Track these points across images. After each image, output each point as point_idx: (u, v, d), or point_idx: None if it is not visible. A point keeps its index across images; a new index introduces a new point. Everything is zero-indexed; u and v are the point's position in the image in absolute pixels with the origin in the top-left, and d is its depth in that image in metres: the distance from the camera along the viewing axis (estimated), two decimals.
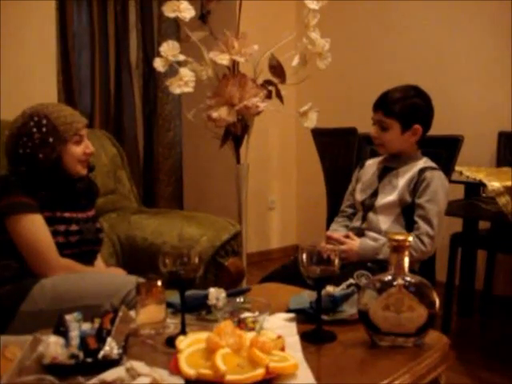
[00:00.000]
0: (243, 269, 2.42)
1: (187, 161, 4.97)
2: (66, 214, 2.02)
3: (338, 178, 3.52)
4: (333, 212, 2.91)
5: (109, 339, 1.30)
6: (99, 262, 2.21)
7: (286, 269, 2.26)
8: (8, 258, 1.93)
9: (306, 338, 1.42)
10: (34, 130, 1.95)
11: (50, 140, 1.95)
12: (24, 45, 2.92)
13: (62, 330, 1.35)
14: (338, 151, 3.60)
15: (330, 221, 2.69)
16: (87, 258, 2.09)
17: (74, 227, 2.02)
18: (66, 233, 1.99)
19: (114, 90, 4.57)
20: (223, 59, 2.57)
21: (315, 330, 1.45)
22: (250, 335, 1.30)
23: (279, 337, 1.32)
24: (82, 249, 2.04)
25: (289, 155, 4.93)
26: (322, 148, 3.72)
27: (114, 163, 2.72)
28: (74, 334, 1.33)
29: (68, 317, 1.42)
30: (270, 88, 2.70)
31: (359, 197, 2.38)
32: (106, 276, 2.01)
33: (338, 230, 2.38)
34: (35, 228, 1.92)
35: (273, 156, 4.84)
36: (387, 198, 2.26)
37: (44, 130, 1.95)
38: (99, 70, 4.44)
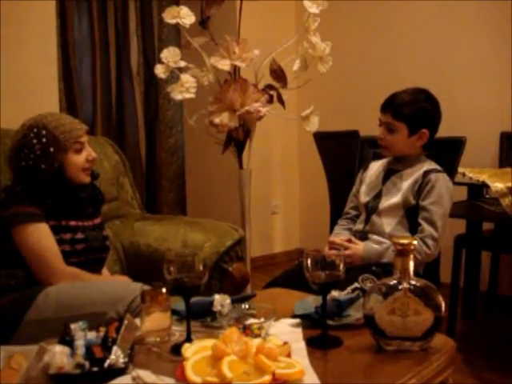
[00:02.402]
0: (247, 274, 2.42)
1: (190, 166, 4.96)
2: (72, 223, 2.03)
3: (340, 181, 3.50)
4: (336, 215, 2.90)
5: (114, 348, 1.30)
6: (104, 269, 2.21)
7: (290, 274, 2.26)
8: (14, 267, 1.94)
9: (312, 344, 1.42)
10: (35, 141, 1.95)
11: (51, 150, 1.95)
12: (24, 53, 2.91)
13: (67, 340, 1.35)
14: (341, 154, 3.58)
15: (333, 224, 2.69)
16: (94, 266, 2.09)
17: (79, 235, 2.02)
18: (72, 241, 2.00)
19: (116, 96, 4.56)
20: (224, 65, 2.57)
21: (321, 335, 1.45)
22: (255, 342, 1.29)
23: (285, 343, 1.32)
24: (88, 257, 2.05)
25: (291, 159, 4.93)
26: (324, 151, 3.71)
27: (116, 170, 2.71)
28: (80, 343, 1.32)
29: (73, 326, 1.41)
30: (272, 92, 2.69)
31: (363, 199, 2.38)
32: (111, 283, 2.01)
33: (341, 234, 2.38)
34: (40, 237, 1.93)
35: (275, 160, 4.83)
36: (391, 200, 2.26)
37: (44, 140, 1.96)
38: (100, 76, 4.43)
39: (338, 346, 1.42)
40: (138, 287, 1.79)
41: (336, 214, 3.13)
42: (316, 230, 4.54)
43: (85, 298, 1.82)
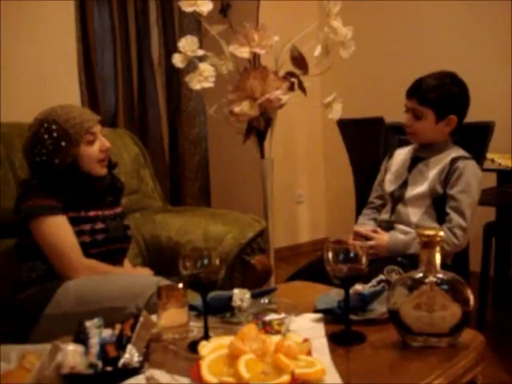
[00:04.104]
0: (270, 266, 2.37)
1: (213, 156, 4.93)
2: (91, 213, 2.01)
3: (365, 168, 3.44)
4: (361, 203, 2.84)
5: (129, 346, 1.26)
6: (126, 262, 2.20)
7: (313, 265, 2.20)
8: (35, 260, 1.93)
9: (334, 340, 1.37)
10: (46, 136, 1.94)
11: (63, 144, 1.93)
12: (44, 46, 2.90)
13: (81, 338, 1.31)
14: (365, 142, 3.51)
15: (358, 213, 2.63)
16: (116, 257, 2.08)
17: (99, 225, 2.01)
18: (92, 232, 1.98)
19: (137, 88, 4.53)
20: (243, 52, 2.51)
21: (344, 331, 1.39)
22: (274, 339, 1.24)
23: (306, 340, 1.26)
24: (109, 247, 2.03)
25: (315, 147, 4.86)
26: (348, 139, 3.64)
27: (136, 162, 2.68)
28: (94, 342, 1.29)
29: (88, 323, 1.38)
30: (293, 80, 2.62)
31: (388, 188, 2.31)
32: (131, 277, 1.98)
33: (365, 224, 2.31)
34: (58, 229, 1.92)
35: (299, 149, 4.77)
36: (417, 189, 2.18)
37: (55, 134, 1.93)
38: (122, 68, 4.40)
39: (362, 343, 1.36)
40: (159, 281, 1.77)
41: (361, 202, 3.07)
42: (342, 219, 4.48)
43: (104, 292, 1.80)
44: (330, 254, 1.36)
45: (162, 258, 2.43)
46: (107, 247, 2.02)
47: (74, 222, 1.95)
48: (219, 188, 4.95)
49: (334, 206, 4.84)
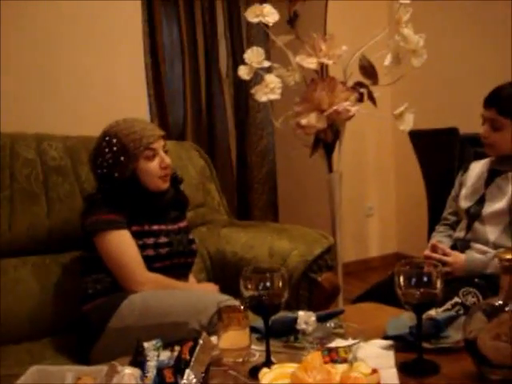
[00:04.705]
0: (338, 284, 2.28)
1: (281, 169, 4.88)
2: (155, 227, 2.00)
3: (438, 181, 3.33)
4: (434, 219, 2.72)
5: (187, 371, 1.20)
6: (191, 276, 2.17)
7: (383, 286, 2.08)
8: (99, 273, 1.94)
9: (405, 370, 1.27)
10: (106, 150, 1.95)
11: (122, 159, 1.94)
12: (112, 60, 2.93)
13: (139, 360, 1.27)
14: (439, 154, 3.40)
15: (431, 228, 2.52)
16: (180, 271, 2.06)
17: (163, 239, 1.99)
18: (156, 245, 1.97)
19: (205, 100, 4.53)
20: (310, 63, 2.47)
21: (415, 360, 1.29)
22: (340, 369, 1.16)
23: (374, 371, 1.17)
24: (173, 261, 2.01)
25: (386, 159, 4.73)
26: (420, 151, 3.52)
27: (202, 175, 2.65)
28: (151, 365, 1.25)
29: (147, 344, 1.34)
30: (362, 90, 2.56)
31: (463, 204, 2.18)
32: (196, 293, 1.95)
33: (441, 242, 2.18)
34: (122, 244, 1.92)
35: (369, 161, 4.66)
36: (495, 205, 2.05)
37: (115, 149, 1.95)
38: (190, 80, 4.41)
39: (435, 374, 1.26)
40: (224, 298, 1.74)
41: (434, 217, 2.95)
42: (413, 233, 4.36)
43: (168, 306, 1.78)
44: (402, 278, 1.26)
45: (227, 273, 2.38)
46: (171, 261, 2.01)
47: (137, 235, 1.95)
48: (287, 200, 4.89)
49: (405, 220, 4.69)
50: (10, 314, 2.02)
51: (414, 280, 1.25)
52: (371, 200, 4.71)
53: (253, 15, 2.42)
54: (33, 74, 2.65)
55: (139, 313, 1.79)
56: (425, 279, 1.25)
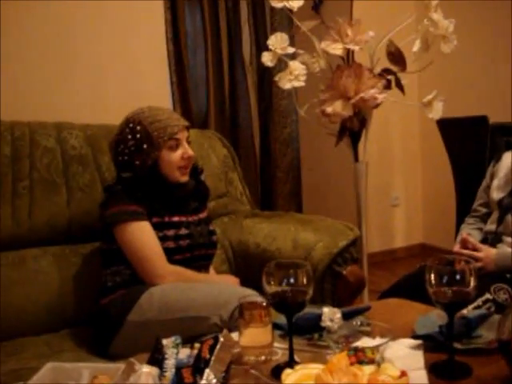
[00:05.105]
0: (363, 278, 2.21)
1: (305, 157, 4.82)
2: (175, 219, 1.96)
3: (467, 171, 3.26)
4: (462, 209, 2.65)
5: (207, 371, 1.16)
6: (210, 268, 2.13)
7: (411, 280, 2.02)
8: (119, 265, 1.91)
9: (435, 372, 1.20)
10: (129, 136, 1.92)
11: (144, 147, 1.91)
12: (135, 47, 2.90)
13: (157, 358, 1.23)
14: (468, 143, 3.32)
15: (459, 219, 2.45)
16: (200, 263, 2.02)
17: (183, 231, 1.96)
18: (176, 237, 1.94)
19: (229, 87, 4.48)
20: (336, 49, 2.41)
21: (446, 362, 1.22)
22: (367, 370, 1.10)
23: (403, 373, 1.11)
24: (194, 253, 1.98)
25: (412, 148, 4.65)
26: (449, 140, 3.44)
27: (224, 165, 2.59)
28: (170, 363, 1.20)
29: (165, 341, 1.29)
30: (389, 77, 2.49)
31: (495, 195, 2.10)
32: (217, 286, 1.89)
33: (471, 235, 2.11)
34: (142, 235, 1.88)
35: (395, 150, 4.58)
36: None
37: (138, 136, 1.91)
38: (213, 68, 4.37)
39: (467, 377, 1.19)
40: (246, 292, 1.68)
41: (463, 208, 2.88)
42: (440, 223, 4.31)
43: (188, 300, 1.75)
44: (433, 275, 1.19)
45: (249, 265, 2.33)
46: (191, 253, 1.97)
47: (157, 227, 1.92)
48: (311, 190, 4.84)
49: (432, 210, 4.61)
50: (28, 305, 2.00)
51: (445, 278, 1.18)
52: (397, 189, 4.63)
53: (277, 0, 2.36)
54: (52, 61, 2.63)
55: (158, 306, 1.75)
56: (457, 277, 1.18)
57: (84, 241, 2.19)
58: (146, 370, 1.16)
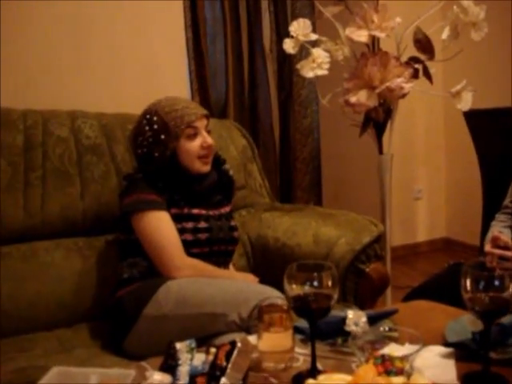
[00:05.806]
0: (387, 276, 2.12)
1: (325, 148, 4.74)
2: (195, 211, 1.91)
3: (495, 164, 3.16)
4: (490, 205, 2.55)
5: (223, 380, 1.08)
6: (230, 265, 2.07)
7: (439, 280, 1.93)
8: (136, 256, 1.86)
9: None
10: (146, 128, 1.89)
11: (162, 137, 1.87)
12: (152, 35, 2.82)
13: (170, 364, 1.15)
14: (495, 134, 3.22)
15: (487, 215, 2.35)
16: (219, 259, 1.96)
17: (202, 224, 1.90)
18: (194, 230, 1.89)
19: (248, 76, 4.42)
20: (361, 36, 2.31)
21: (481, 373, 1.13)
22: (395, 381, 1.02)
23: None
24: (212, 248, 1.92)
25: (437, 140, 4.55)
26: (476, 132, 3.34)
27: (244, 156, 2.52)
28: (184, 371, 1.13)
29: (179, 345, 1.21)
30: (417, 66, 2.38)
31: None
32: (237, 283, 1.83)
33: (502, 233, 2.00)
34: (160, 225, 1.84)
35: (418, 141, 4.48)
36: None
37: (155, 127, 1.88)
38: (232, 56, 4.30)
39: None
40: (267, 291, 1.64)
41: (490, 203, 2.79)
42: (464, 217, 4.23)
43: (206, 296, 1.69)
44: (469, 280, 1.10)
45: (268, 260, 2.26)
46: (210, 248, 1.91)
47: (176, 218, 1.87)
48: (331, 181, 4.76)
49: (456, 204, 4.50)
50: (40, 299, 1.95)
51: (482, 283, 1.09)
52: (420, 182, 4.54)
53: None
54: (66, 48, 2.56)
55: (175, 301, 1.70)
56: (496, 283, 1.09)
57: (98, 233, 2.13)
58: (158, 377, 1.09)
